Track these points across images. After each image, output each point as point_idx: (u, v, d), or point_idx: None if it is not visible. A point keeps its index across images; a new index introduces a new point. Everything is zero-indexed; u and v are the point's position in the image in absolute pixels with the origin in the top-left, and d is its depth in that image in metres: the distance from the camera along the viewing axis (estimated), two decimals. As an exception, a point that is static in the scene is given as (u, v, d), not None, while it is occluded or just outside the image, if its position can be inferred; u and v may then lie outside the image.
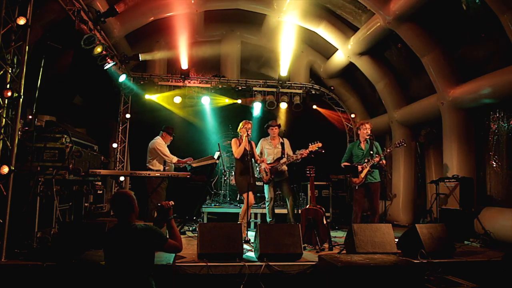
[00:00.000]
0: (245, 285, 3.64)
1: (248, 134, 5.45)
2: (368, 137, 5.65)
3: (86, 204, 5.93)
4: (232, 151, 8.16)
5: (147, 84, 8.66)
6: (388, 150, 5.60)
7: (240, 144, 5.48)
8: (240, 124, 5.58)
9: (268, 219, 5.90)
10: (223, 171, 7.91)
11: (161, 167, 6.25)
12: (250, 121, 5.61)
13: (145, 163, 6.24)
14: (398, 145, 5.60)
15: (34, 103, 4.58)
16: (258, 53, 9.78)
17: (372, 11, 6.55)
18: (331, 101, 9.68)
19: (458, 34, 6.07)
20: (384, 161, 5.52)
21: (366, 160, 5.52)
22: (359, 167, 5.54)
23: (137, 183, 8.42)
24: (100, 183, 7.19)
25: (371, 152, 5.51)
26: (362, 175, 5.50)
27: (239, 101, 9.07)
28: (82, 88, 8.05)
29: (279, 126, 6.07)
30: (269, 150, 5.98)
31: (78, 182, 5.14)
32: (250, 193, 5.37)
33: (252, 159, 5.58)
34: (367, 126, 5.70)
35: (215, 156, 6.18)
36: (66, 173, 4.46)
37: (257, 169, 5.87)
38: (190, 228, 6.35)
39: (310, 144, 5.61)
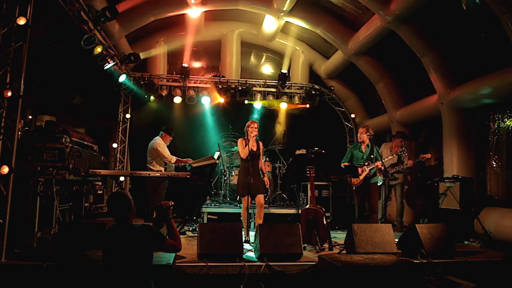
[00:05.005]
0: (245, 285, 3.64)
1: (255, 134, 5.40)
2: (362, 141, 5.90)
3: (86, 204, 5.93)
4: (232, 151, 8.25)
5: (147, 84, 8.66)
6: (386, 159, 6.07)
7: (246, 144, 5.40)
8: (248, 123, 5.52)
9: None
10: (223, 171, 7.90)
11: (162, 168, 6.27)
12: (256, 121, 5.57)
13: (145, 163, 6.25)
14: (399, 154, 6.10)
15: (34, 103, 4.59)
16: (258, 53, 9.78)
17: (372, 11, 6.55)
18: (331, 101, 9.67)
19: (458, 34, 6.06)
20: (383, 167, 5.75)
21: (366, 163, 5.66)
22: (359, 169, 5.71)
23: (137, 183, 8.43)
24: (100, 183, 7.19)
25: (372, 155, 5.67)
26: (361, 177, 5.66)
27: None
28: (82, 88, 8.06)
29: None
30: (386, 155, 6.48)
31: (78, 182, 5.14)
32: (260, 195, 5.37)
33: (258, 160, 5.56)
34: (361, 130, 5.93)
35: (215, 156, 6.18)
36: (66, 173, 4.46)
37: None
38: (190, 228, 6.34)
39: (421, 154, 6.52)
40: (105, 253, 2.64)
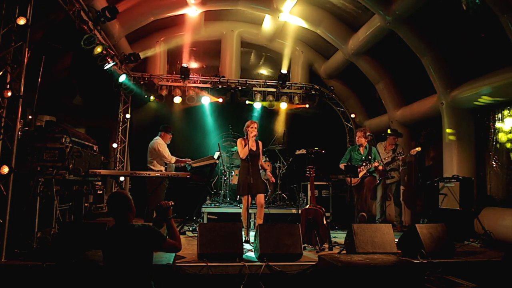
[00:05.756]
0: (245, 285, 3.64)
1: (254, 134, 5.39)
2: (360, 143, 6.09)
3: (86, 204, 5.92)
4: (232, 151, 8.25)
5: (147, 84, 8.66)
6: (385, 159, 6.06)
7: (245, 144, 5.37)
8: (247, 123, 5.49)
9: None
10: (223, 171, 7.90)
11: (162, 168, 6.28)
12: (256, 121, 5.54)
13: (145, 163, 6.26)
14: (398, 155, 6.13)
15: (34, 103, 4.58)
16: (258, 53, 9.78)
17: (372, 11, 6.55)
18: (331, 101, 9.67)
19: (458, 34, 6.07)
20: (381, 167, 5.91)
21: (364, 164, 5.91)
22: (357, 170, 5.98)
23: (137, 183, 8.43)
24: (100, 183, 7.20)
25: (370, 157, 5.92)
26: (359, 175, 5.93)
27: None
28: (82, 88, 8.06)
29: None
30: (381, 154, 6.51)
31: (78, 182, 5.14)
32: (260, 195, 5.37)
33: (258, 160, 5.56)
34: (358, 133, 6.15)
35: (215, 156, 6.18)
36: (66, 173, 4.45)
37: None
38: (190, 228, 6.34)
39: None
40: (105, 253, 2.64)
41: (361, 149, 6.09)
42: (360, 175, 5.88)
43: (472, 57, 6.05)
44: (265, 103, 9.11)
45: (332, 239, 5.03)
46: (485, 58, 5.81)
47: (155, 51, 8.60)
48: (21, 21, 3.87)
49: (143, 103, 8.97)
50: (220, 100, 8.89)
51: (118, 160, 8.64)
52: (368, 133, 6.04)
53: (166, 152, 6.17)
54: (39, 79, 4.63)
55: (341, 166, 6.20)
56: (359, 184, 5.96)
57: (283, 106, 9.17)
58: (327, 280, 3.59)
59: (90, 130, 8.44)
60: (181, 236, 3.06)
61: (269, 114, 9.50)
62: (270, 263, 3.83)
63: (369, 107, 9.50)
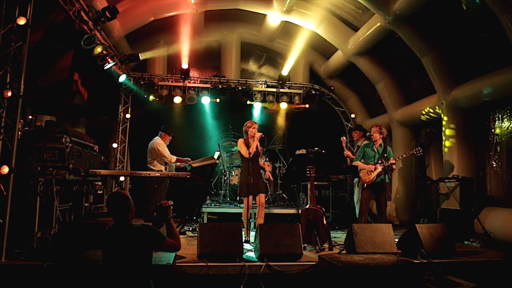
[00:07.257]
0: (245, 285, 3.64)
1: (260, 135, 5.35)
2: (375, 140, 5.78)
3: (86, 204, 5.93)
4: (232, 151, 8.25)
5: (147, 84, 8.65)
6: (403, 155, 5.71)
7: (246, 144, 5.36)
8: (247, 123, 5.47)
9: None
10: (223, 171, 7.90)
11: (162, 167, 6.28)
12: (256, 122, 5.53)
13: (145, 163, 6.26)
14: (415, 153, 5.64)
15: (34, 103, 4.58)
16: (258, 53, 9.78)
17: (372, 11, 6.55)
18: (331, 101, 9.67)
19: (458, 34, 6.07)
20: (394, 166, 5.60)
21: (380, 162, 5.54)
22: (373, 167, 5.59)
23: (137, 183, 8.44)
24: (100, 183, 7.20)
25: (385, 154, 5.57)
26: (374, 175, 5.54)
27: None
28: (82, 88, 8.06)
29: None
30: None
31: (78, 182, 5.14)
32: (261, 195, 5.37)
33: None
34: (374, 129, 5.82)
35: (215, 156, 6.19)
36: (66, 173, 4.46)
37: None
38: (190, 228, 6.34)
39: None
40: (105, 253, 2.64)
41: (375, 146, 5.79)
42: (375, 173, 5.54)
43: (472, 57, 6.04)
44: (266, 104, 9.11)
45: (332, 239, 5.03)
46: (485, 58, 5.81)
47: (155, 52, 8.60)
48: (21, 21, 3.87)
49: (143, 103, 8.97)
50: (218, 100, 8.87)
51: (118, 160, 8.64)
52: (383, 130, 5.77)
53: (166, 151, 6.18)
54: (39, 79, 4.63)
55: (355, 163, 5.95)
56: (372, 184, 5.61)
57: (283, 106, 9.17)
58: (327, 280, 3.59)
59: (90, 130, 8.44)
60: (181, 236, 3.07)
61: (269, 114, 9.50)
62: (270, 263, 3.83)
63: (369, 107, 9.49)
